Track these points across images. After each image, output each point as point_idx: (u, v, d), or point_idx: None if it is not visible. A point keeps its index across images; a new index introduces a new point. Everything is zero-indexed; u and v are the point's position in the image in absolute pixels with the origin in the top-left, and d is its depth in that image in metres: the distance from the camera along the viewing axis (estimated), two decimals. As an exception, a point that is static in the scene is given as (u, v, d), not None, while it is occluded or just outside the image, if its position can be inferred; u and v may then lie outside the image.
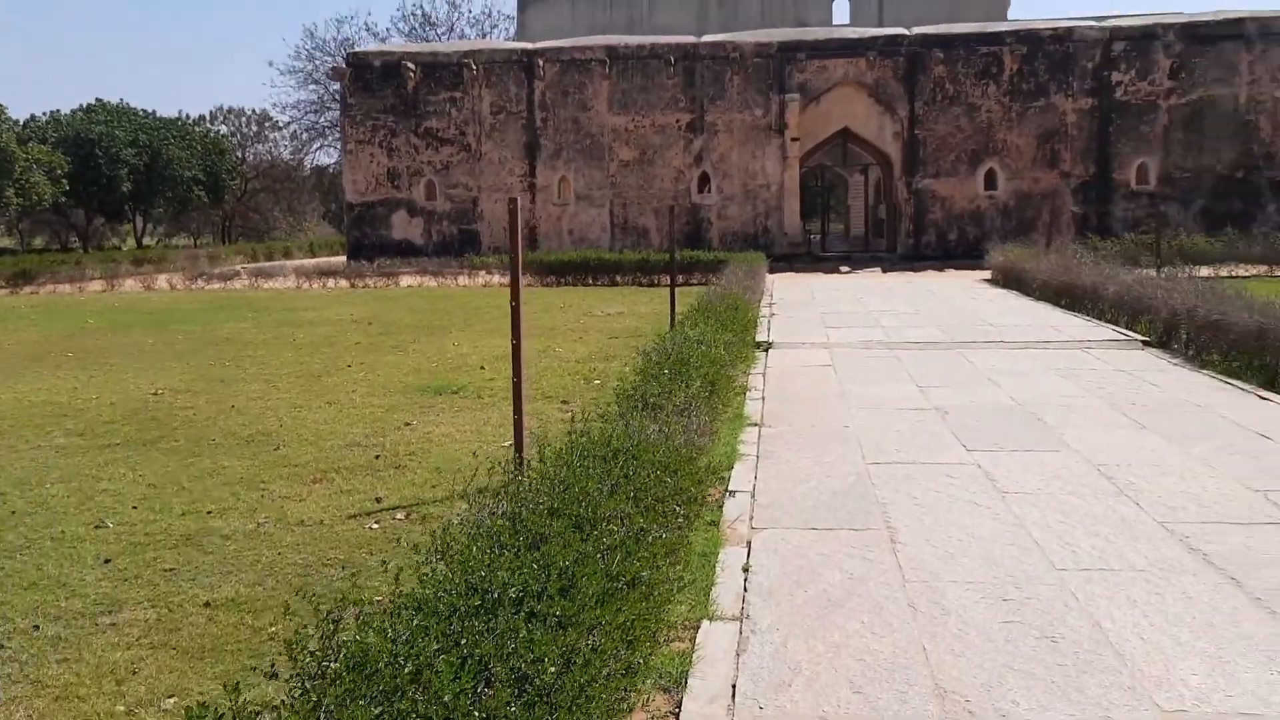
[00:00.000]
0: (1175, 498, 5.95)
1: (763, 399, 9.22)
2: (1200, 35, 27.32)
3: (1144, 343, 12.07)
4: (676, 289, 13.05)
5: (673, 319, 12.50)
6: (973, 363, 11.07)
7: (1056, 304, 16.25)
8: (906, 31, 28.65)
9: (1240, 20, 27.28)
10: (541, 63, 28.82)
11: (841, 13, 38.00)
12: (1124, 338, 12.34)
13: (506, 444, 7.32)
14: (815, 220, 38.13)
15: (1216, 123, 27.23)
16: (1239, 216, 26.86)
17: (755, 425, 8.14)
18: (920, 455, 7.10)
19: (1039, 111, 27.75)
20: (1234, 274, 20.56)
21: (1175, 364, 10.80)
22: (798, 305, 17.34)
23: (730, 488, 6.29)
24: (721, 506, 5.89)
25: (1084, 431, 7.69)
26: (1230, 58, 27.16)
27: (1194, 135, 27.33)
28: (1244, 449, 7.04)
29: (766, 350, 12.19)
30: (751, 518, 5.71)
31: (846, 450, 7.28)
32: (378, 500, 6.23)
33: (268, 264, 32.77)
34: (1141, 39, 27.48)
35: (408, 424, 8.43)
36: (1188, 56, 27.27)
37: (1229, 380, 9.66)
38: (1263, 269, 21.21)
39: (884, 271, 25.95)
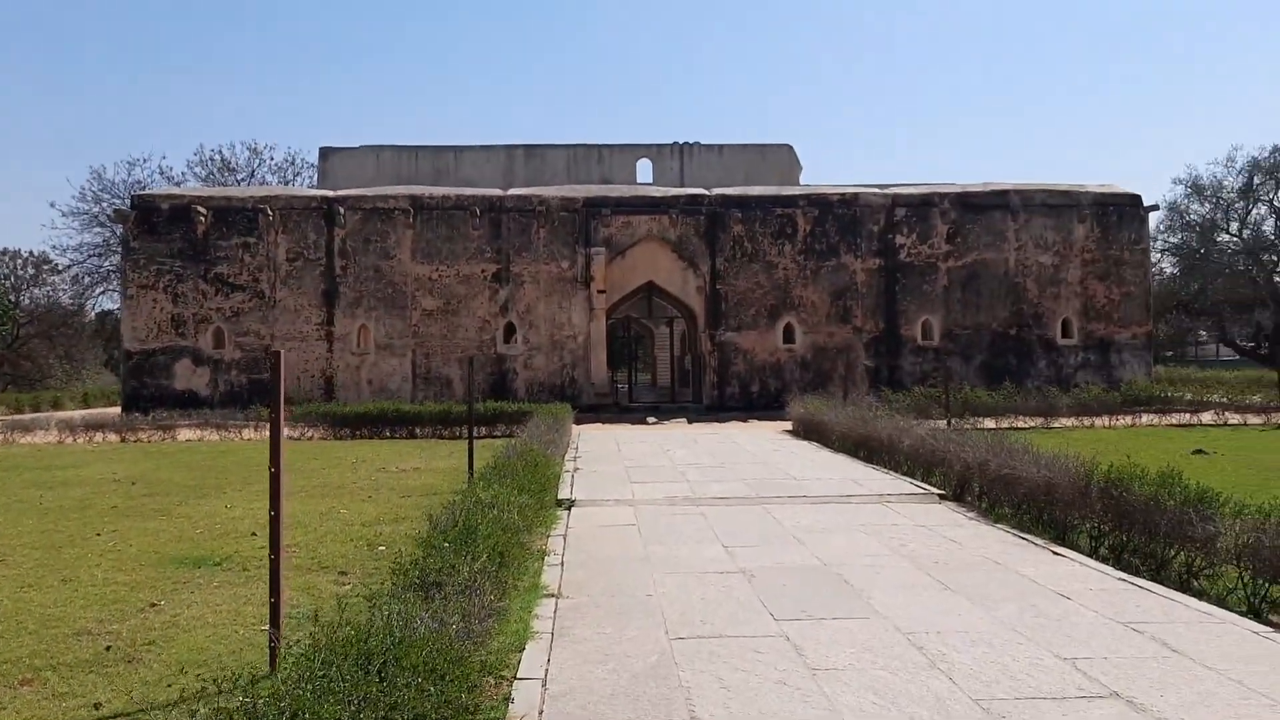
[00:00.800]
0: (987, 669, 5.66)
1: (562, 565, 8.60)
2: (971, 204, 29.52)
3: (940, 496, 12.19)
4: (479, 441, 12.39)
5: (471, 475, 11.81)
6: (778, 519, 10.83)
7: (856, 456, 16.46)
8: (707, 192, 29.73)
9: (1005, 192, 29.68)
10: (343, 210, 28.21)
11: (645, 173, 39.39)
12: (922, 491, 12.45)
13: (265, 629, 6.40)
14: (624, 370, 38.35)
15: (990, 284, 29.21)
16: (1014, 371, 28.62)
17: (553, 596, 7.50)
18: (727, 627, 6.62)
19: (832, 270, 29.05)
20: (1014, 425, 21.60)
21: (971, 518, 10.88)
22: (603, 459, 16.93)
23: (520, 673, 5.61)
24: (509, 700, 5.19)
25: (891, 595, 7.42)
26: (999, 225, 29.40)
27: (971, 295, 29.18)
28: (1047, 611, 6.90)
29: (569, 508, 11.62)
30: (541, 713, 5.04)
31: (650, 624, 6.73)
32: (95, 708, 5.20)
33: (32, 415, 30.01)
34: (921, 205, 29.43)
35: (154, 605, 7.34)
36: (962, 223, 29.34)
37: (1023, 535, 9.73)
38: (1039, 420, 22.40)
39: (690, 422, 26.04)
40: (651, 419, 26.68)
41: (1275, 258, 59.57)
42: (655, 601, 7.32)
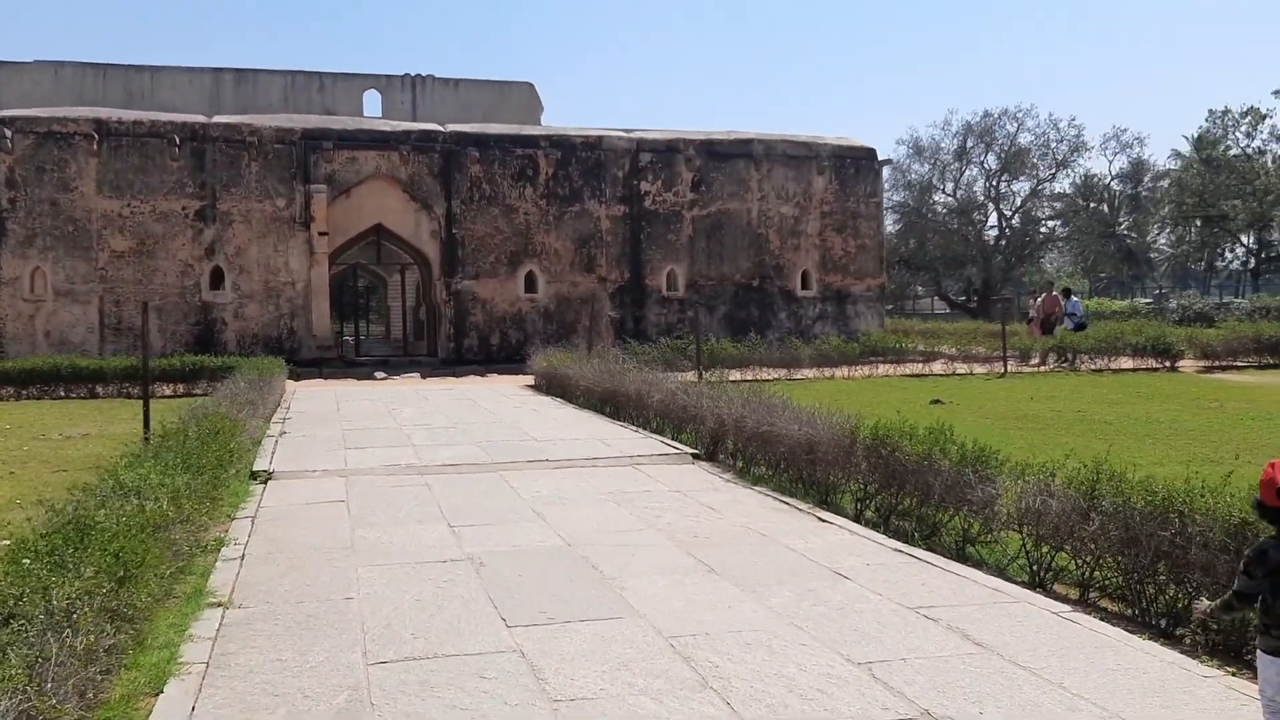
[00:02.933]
0: (771, 685, 4.50)
1: (242, 559, 6.82)
2: (716, 152, 29.04)
3: (694, 456, 11.20)
4: (177, 401, 10.21)
5: (148, 443, 9.65)
6: (515, 489, 9.43)
7: (602, 412, 15.33)
8: (441, 128, 27.63)
9: (749, 141, 29.40)
10: (10, 133, 24.04)
11: (373, 105, 36.54)
12: (674, 451, 11.41)
13: None
14: (352, 322, 35.68)
15: (734, 234, 28.91)
16: (757, 323, 28.53)
17: (220, 605, 5.76)
18: (446, 641, 5.16)
19: (575, 216, 27.81)
20: (758, 377, 21.23)
21: (727, 480, 9.91)
22: (318, 420, 14.92)
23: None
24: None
25: (649, 583, 6.19)
26: (743, 174, 29.09)
27: (715, 245, 28.79)
28: (826, 597, 5.87)
29: (265, 482, 9.72)
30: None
31: (344, 641, 5.16)
32: None
33: None
34: (666, 151, 28.65)
35: None
36: (707, 171, 28.82)
37: (785, 499, 8.82)
38: (783, 372, 22.18)
39: (424, 378, 24.18)
40: (381, 374, 24.58)
41: (983, 217, 63.97)
42: (355, 607, 5.75)
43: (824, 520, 8.00)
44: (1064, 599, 5.97)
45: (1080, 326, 24.92)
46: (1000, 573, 6.53)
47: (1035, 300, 27.61)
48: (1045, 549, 6.31)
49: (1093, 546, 5.98)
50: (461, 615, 5.59)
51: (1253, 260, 64.11)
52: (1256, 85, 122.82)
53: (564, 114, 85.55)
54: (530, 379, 21.05)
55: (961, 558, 6.86)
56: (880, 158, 30.82)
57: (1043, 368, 23.20)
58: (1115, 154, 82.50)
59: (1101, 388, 19.31)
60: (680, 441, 12.08)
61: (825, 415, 9.12)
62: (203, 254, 25.00)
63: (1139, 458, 10.65)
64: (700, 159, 28.80)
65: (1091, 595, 5.96)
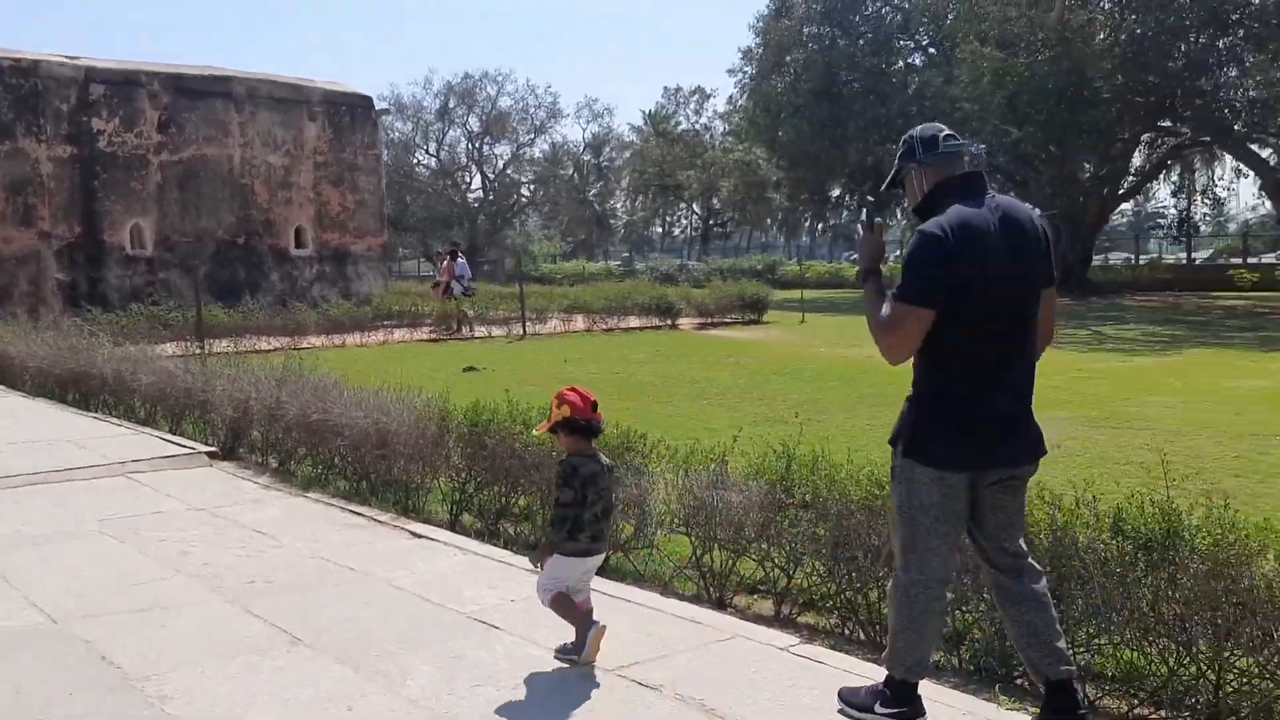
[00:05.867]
0: None
1: None
2: (188, 89, 25.03)
3: (209, 455, 8.71)
4: None
5: None
6: (-52, 529, 6.41)
7: (64, 401, 11.91)
8: None
9: (229, 79, 25.75)
10: None
11: None
12: (182, 450, 8.79)
13: None
14: None
15: (214, 184, 25.17)
16: (245, 285, 25.14)
17: None
18: None
19: (7, 156, 22.41)
20: (256, 347, 18.42)
21: (266, 486, 7.67)
22: None
23: None
24: None
25: (202, 678, 4.03)
26: (221, 117, 25.39)
27: (191, 196, 24.86)
28: (483, 666, 4.14)
29: None
30: None
31: None
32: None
33: None
34: (125, 84, 24.09)
35: None
36: (177, 110, 24.73)
37: (356, 509, 6.85)
38: (286, 341, 19.49)
39: None
40: None
41: (468, 179, 64.13)
42: None
43: (420, 535, 6.19)
44: (764, 619, 4.80)
45: (467, 291, 23.27)
46: (665, 587, 5.25)
47: (441, 263, 24.95)
48: (727, 557, 5.11)
49: (788, 550, 4.90)
50: None
51: (702, 226, 71.15)
52: (711, 65, 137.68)
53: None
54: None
55: (614, 573, 5.47)
56: (379, 107, 28.73)
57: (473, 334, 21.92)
58: (588, 123, 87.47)
59: (622, 347, 19.29)
60: (184, 435, 9.47)
61: (401, 398, 7.25)
62: None
63: (711, 420, 10.15)
64: (169, 96, 24.66)
65: (787, 610, 4.88)
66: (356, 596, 5.04)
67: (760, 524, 4.91)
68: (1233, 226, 47.70)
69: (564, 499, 4.01)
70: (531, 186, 67.15)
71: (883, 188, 3.64)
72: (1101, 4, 29.66)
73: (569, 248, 71.98)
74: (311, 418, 7.69)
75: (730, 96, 62.09)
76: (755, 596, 5.15)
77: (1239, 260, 37.49)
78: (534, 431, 5.12)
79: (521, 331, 21.71)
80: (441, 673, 4.07)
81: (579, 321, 23.40)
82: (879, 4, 40.56)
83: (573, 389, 4.11)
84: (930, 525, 3.32)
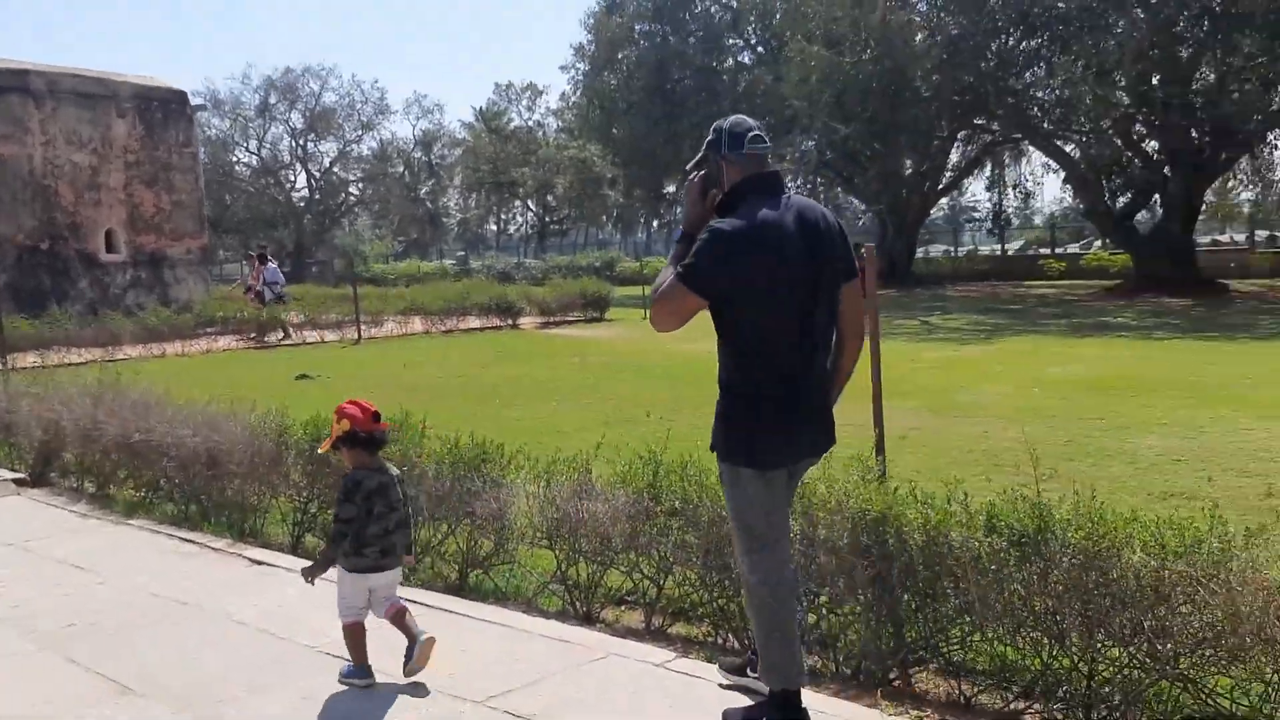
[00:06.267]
0: None
1: None
2: (-21, 83, 23.08)
3: (16, 482, 7.96)
4: None
5: None
6: None
7: None
8: None
9: (25, 73, 23.84)
10: None
11: None
12: (-15, 478, 8.00)
13: None
14: None
15: (12, 186, 23.24)
16: (52, 294, 23.35)
17: None
18: None
19: None
20: (67, 361, 17.15)
21: (83, 514, 7.06)
22: None
23: None
24: None
25: (23, 748, 3.58)
26: (18, 113, 23.48)
27: (-13, 199, 22.94)
28: (338, 711, 3.82)
29: None
30: None
31: None
32: None
33: None
34: (-97, 76, 22.02)
35: None
36: (-34, 106, 22.77)
37: (185, 535, 6.36)
38: (100, 353, 18.18)
39: None
40: None
41: (292, 178, 61.75)
42: None
43: (259, 562, 5.78)
44: (634, 632, 4.65)
45: (281, 299, 22.68)
46: (529, 604, 5.04)
47: (253, 268, 24.57)
48: (587, 567, 4.93)
49: (658, 559, 4.75)
50: None
51: (538, 224, 70.72)
52: (543, 61, 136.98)
53: None
54: None
55: (474, 592, 5.21)
56: (195, 102, 27.22)
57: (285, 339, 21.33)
58: (418, 119, 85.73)
59: (463, 349, 18.86)
60: (-14, 461, 8.65)
61: (231, 414, 6.75)
62: None
63: (562, 423, 9.95)
64: (-44, 90, 22.66)
65: (658, 621, 4.73)
66: (193, 635, 4.62)
67: (628, 534, 4.75)
68: (1039, 219, 50.60)
69: (344, 514, 3.93)
70: (360, 185, 65.23)
71: (688, 168, 3.72)
72: (919, 5, 30.83)
73: (401, 247, 70.32)
74: (133, 438, 7.11)
75: (563, 93, 61.89)
76: (623, 608, 4.98)
77: (1047, 250, 39.78)
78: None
79: (356, 335, 20.94)
80: (293, 716, 3.73)
81: (417, 323, 22.81)
82: (709, 2, 41.06)
83: (352, 402, 4.05)
84: (764, 523, 3.41)
